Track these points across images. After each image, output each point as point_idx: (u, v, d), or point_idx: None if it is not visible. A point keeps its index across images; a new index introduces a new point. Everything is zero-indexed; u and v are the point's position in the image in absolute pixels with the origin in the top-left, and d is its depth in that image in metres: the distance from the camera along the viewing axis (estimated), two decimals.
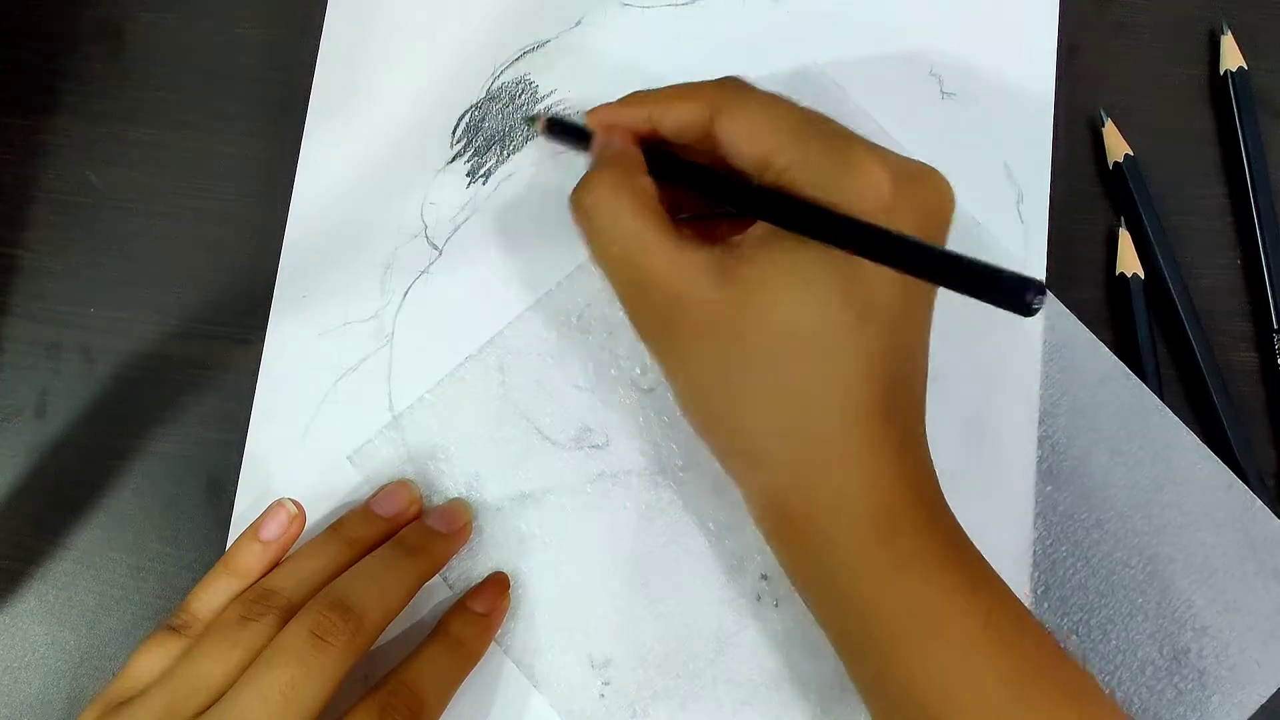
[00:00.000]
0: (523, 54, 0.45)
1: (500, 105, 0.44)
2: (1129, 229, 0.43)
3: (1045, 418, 0.40)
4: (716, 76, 0.35)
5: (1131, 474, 0.40)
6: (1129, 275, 0.42)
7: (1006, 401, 0.40)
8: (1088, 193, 0.44)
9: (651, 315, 0.34)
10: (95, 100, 0.45)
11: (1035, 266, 0.42)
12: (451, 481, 0.41)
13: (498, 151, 0.44)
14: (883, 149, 0.32)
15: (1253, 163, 0.43)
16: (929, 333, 0.34)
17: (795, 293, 0.31)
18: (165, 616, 0.36)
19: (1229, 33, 0.44)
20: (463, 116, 0.44)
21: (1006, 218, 0.42)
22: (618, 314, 0.42)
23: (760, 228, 0.33)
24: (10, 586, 0.42)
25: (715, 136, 0.34)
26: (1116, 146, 0.43)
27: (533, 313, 0.42)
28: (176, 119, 0.45)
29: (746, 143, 0.33)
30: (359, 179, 0.44)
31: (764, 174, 0.33)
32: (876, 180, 0.31)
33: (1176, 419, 0.40)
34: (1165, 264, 0.42)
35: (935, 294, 0.34)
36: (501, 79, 0.44)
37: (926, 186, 0.33)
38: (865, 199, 0.31)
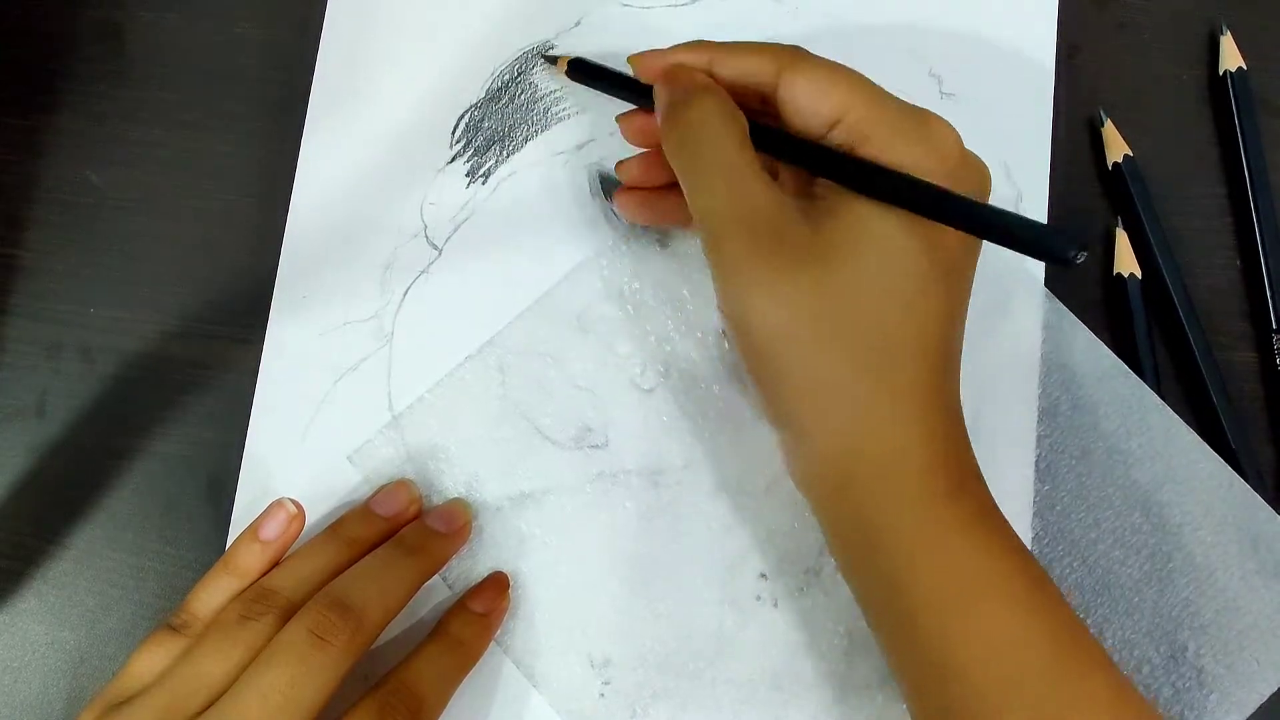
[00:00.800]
0: (523, 54, 0.45)
1: (500, 105, 0.44)
2: (1127, 228, 0.43)
3: (1044, 416, 0.41)
4: None
5: (1130, 472, 0.40)
6: (1126, 275, 0.42)
7: (1005, 399, 0.41)
8: (1087, 193, 0.44)
9: (744, 245, 0.33)
10: (95, 100, 0.45)
11: (1033, 266, 0.42)
12: (451, 481, 0.41)
13: (497, 151, 0.44)
14: (953, 128, 0.34)
15: (1252, 163, 0.43)
16: (964, 323, 0.35)
17: (880, 248, 0.32)
18: (165, 616, 0.36)
19: (1228, 33, 0.44)
20: (462, 116, 0.44)
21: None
22: (618, 314, 0.42)
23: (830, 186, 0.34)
24: (10, 586, 0.42)
25: (780, 94, 0.34)
26: (1116, 146, 0.43)
27: (532, 313, 0.42)
28: (176, 119, 0.45)
29: (818, 98, 0.33)
30: (359, 179, 0.44)
31: (832, 132, 0.33)
32: (953, 140, 0.33)
33: (1177, 417, 0.40)
34: (1164, 263, 0.42)
35: (973, 276, 0.35)
36: (501, 79, 0.44)
37: (979, 161, 0.34)
38: (941, 153, 0.33)
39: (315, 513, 0.40)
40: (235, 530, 0.41)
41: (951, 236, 0.32)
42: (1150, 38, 0.46)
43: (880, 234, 0.32)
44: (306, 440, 0.41)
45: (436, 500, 0.41)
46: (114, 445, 0.42)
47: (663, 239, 0.43)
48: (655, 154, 0.39)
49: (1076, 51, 0.45)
